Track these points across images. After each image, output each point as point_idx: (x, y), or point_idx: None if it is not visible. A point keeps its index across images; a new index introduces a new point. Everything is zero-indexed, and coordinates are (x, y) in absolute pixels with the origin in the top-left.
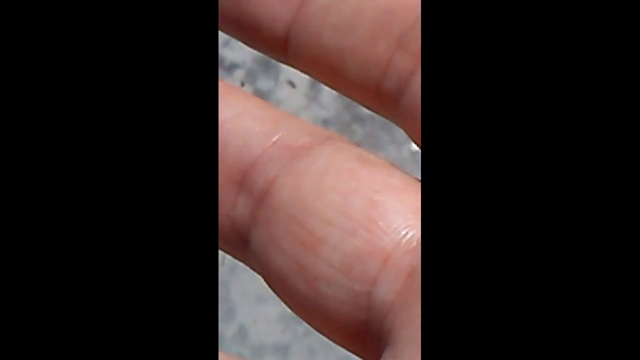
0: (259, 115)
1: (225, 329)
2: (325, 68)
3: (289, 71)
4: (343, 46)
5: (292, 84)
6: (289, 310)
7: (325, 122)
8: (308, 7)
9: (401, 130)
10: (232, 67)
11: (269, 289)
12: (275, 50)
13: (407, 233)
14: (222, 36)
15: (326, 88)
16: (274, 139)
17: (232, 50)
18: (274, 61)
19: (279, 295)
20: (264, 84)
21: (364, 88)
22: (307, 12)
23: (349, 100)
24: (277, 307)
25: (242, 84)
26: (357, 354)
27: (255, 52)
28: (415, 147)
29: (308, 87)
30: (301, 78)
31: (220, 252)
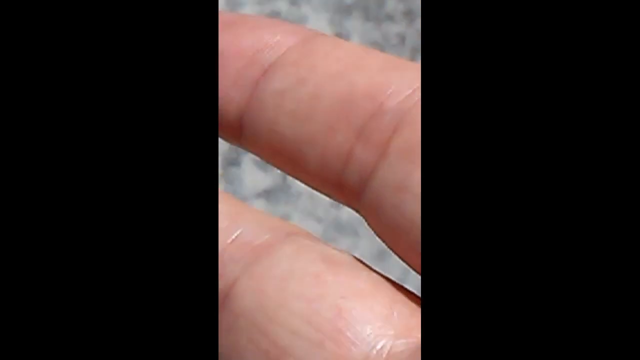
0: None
1: None
2: (283, 157)
3: None
4: (300, 135)
5: None
6: None
7: None
8: (262, 91)
9: None
10: None
11: None
12: (229, 134)
13: (376, 343)
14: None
15: None
16: (234, 236)
17: None
18: None
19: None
20: None
21: (324, 179)
22: (262, 96)
23: None
24: None
25: None
26: None
27: None
28: None
29: None
30: None
31: None
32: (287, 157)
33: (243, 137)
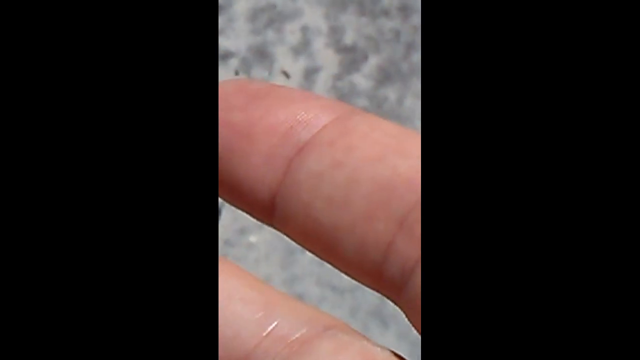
0: (250, 297)
1: None
2: (318, 242)
3: (283, 61)
4: (337, 222)
5: (286, 74)
6: None
7: None
8: (297, 171)
9: (399, 116)
10: (227, 55)
11: None
12: (259, 213)
13: None
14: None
15: (321, 79)
16: (269, 329)
17: (227, 38)
18: (269, 50)
19: None
20: (258, 73)
21: (362, 269)
22: (296, 177)
23: (344, 92)
24: None
25: (237, 73)
26: None
27: (250, 41)
28: None
29: (302, 77)
30: (296, 68)
31: None
32: (323, 243)
33: (275, 217)
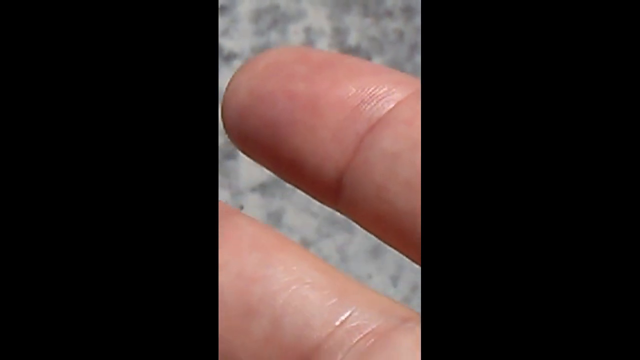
0: (320, 283)
1: None
2: (392, 229)
3: None
4: (416, 208)
5: None
6: None
7: None
8: (369, 150)
9: None
10: (231, 56)
11: None
12: (324, 196)
13: None
14: (221, 24)
15: None
16: (342, 318)
17: (231, 39)
18: None
19: None
20: None
21: None
22: (368, 156)
23: None
24: None
25: None
26: None
27: (255, 41)
28: None
29: None
30: None
31: None
32: (397, 230)
33: (341, 200)
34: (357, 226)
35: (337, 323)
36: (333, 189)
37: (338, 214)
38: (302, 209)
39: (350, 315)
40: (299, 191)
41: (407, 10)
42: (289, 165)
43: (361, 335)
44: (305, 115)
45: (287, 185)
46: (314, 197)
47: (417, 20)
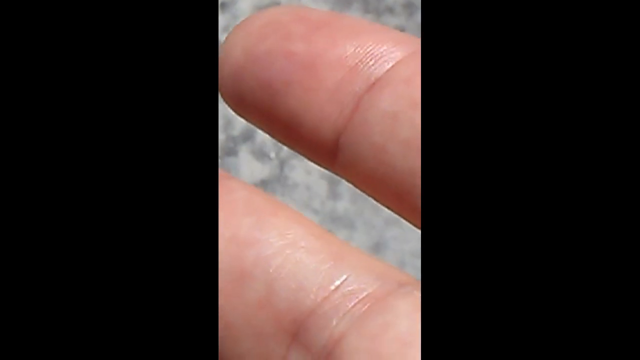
0: (315, 247)
1: None
2: (389, 189)
3: None
4: (415, 168)
5: None
6: None
7: None
8: (367, 110)
9: None
10: None
11: None
12: (320, 157)
13: None
14: (221, 21)
15: None
16: (337, 283)
17: None
18: None
19: None
20: None
21: None
22: (366, 116)
23: None
24: None
25: None
26: None
27: None
28: None
29: None
30: None
31: None
32: (396, 191)
33: (338, 161)
34: (358, 223)
35: (333, 287)
36: (330, 150)
37: (339, 210)
38: (303, 205)
39: (345, 279)
40: (300, 187)
41: (408, 7)
42: (285, 127)
43: (357, 300)
44: (302, 76)
45: (289, 181)
46: (311, 159)
47: (419, 17)
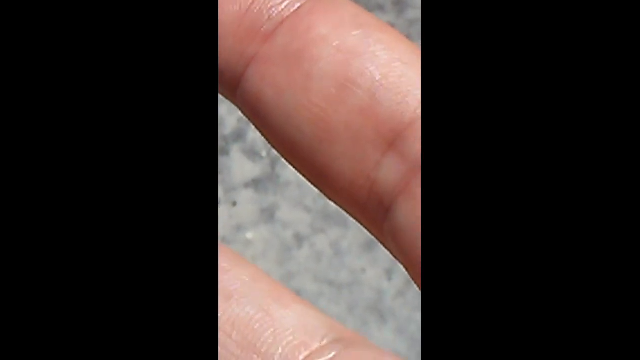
0: (417, 60)
1: None
2: (288, 140)
3: None
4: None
5: None
6: None
7: None
8: (269, 44)
9: None
10: None
11: None
12: (225, 86)
13: None
14: None
15: None
16: None
17: None
18: None
19: (419, 284)
20: None
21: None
22: (268, 54)
23: None
24: None
25: None
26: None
27: None
28: None
29: None
30: None
31: None
32: (284, 141)
33: (238, 93)
34: (351, 220)
35: None
36: (234, 83)
37: (332, 208)
38: (295, 204)
39: None
40: (292, 186)
41: (398, 4)
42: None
43: None
44: None
45: (281, 180)
46: (220, 92)
47: (408, 14)
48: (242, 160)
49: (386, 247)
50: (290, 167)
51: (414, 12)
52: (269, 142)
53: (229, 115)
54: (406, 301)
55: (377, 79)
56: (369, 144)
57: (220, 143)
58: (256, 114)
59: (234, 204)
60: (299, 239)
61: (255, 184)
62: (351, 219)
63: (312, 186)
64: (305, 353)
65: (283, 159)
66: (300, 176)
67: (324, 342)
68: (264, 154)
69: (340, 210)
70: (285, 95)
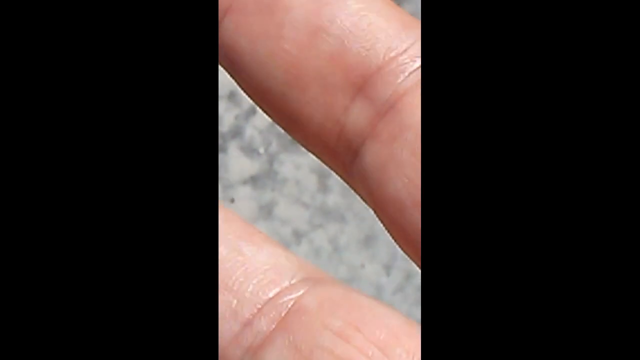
0: (388, 13)
1: None
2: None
3: None
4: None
5: None
6: None
7: None
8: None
9: None
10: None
11: None
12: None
13: None
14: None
15: None
16: (405, 46)
17: None
18: None
19: (388, 227)
20: None
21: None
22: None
23: None
24: None
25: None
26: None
27: None
28: None
29: None
30: None
31: None
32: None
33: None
34: (349, 216)
35: (401, 49)
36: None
37: (330, 204)
38: (293, 200)
39: (413, 44)
40: (290, 182)
41: None
42: None
43: (419, 64)
44: None
45: (278, 176)
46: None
47: (405, 7)
48: (240, 157)
49: (353, 189)
50: (288, 163)
51: (410, 6)
52: (243, 90)
53: (226, 112)
54: (405, 296)
55: (346, 26)
56: (338, 89)
57: (218, 140)
58: (231, 62)
59: (232, 200)
60: (298, 235)
61: (253, 180)
62: (349, 214)
63: (310, 182)
64: (276, 290)
65: (281, 155)
66: (299, 173)
67: (293, 281)
68: (261, 150)
69: (339, 205)
70: (258, 43)
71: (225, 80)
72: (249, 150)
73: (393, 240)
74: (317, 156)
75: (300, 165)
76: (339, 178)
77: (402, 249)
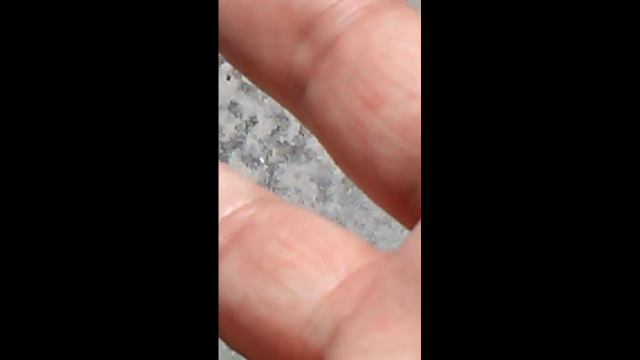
0: None
1: None
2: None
3: None
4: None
5: None
6: None
7: None
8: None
9: None
10: (219, 60)
11: None
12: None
13: None
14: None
15: None
16: None
17: None
18: None
19: (329, 151)
20: None
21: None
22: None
23: None
24: None
25: (228, 78)
26: (397, 218)
27: None
28: None
29: None
30: None
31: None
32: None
33: None
34: (349, 223)
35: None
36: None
37: (329, 212)
38: None
39: None
40: (290, 191)
41: None
42: None
43: (358, 7)
44: None
45: (278, 185)
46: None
47: None
48: (241, 166)
49: (302, 122)
50: (289, 172)
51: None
52: None
53: (227, 122)
54: None
55: None
56: (286, 34)
57: (218, 150)
58: None
59: None
60: None
61: None
62: (350, 223)
63: (310, 191)
64: (231, 209)
65: (281, 165)
66: (299, 181)
67: (247, 201)
68: (262, 160)
69: (338, 213)
70: None
71: (225, 91)
72: (250, 160)
73: (389, 244)
74: (271, 95)
75: (300, 174)
76: (338, 187)
77: (342, 170)
